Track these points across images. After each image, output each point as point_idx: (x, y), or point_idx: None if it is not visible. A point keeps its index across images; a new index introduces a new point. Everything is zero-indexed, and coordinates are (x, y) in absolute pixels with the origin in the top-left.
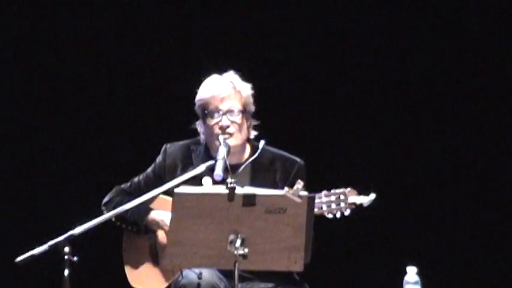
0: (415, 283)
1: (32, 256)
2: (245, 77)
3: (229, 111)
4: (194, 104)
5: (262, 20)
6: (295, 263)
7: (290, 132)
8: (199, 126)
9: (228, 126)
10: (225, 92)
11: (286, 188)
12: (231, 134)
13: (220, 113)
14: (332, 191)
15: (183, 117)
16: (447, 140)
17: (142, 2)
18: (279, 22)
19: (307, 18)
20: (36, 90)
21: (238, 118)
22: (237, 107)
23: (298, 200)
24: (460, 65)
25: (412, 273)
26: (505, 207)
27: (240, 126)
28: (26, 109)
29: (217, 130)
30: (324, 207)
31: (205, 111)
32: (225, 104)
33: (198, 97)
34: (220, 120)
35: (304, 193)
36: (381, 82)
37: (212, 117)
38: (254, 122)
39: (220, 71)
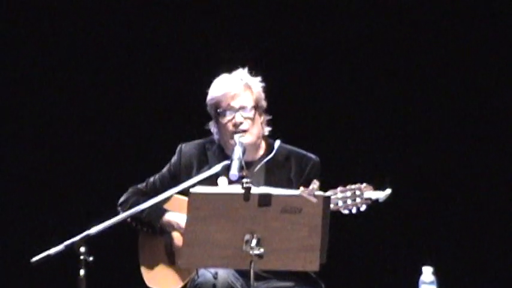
0: (431, 283)
1: (48, 256)
2: (258, 73)
3: (242, 108)
4: (206, 105)
5: (274, 13)
6: (311, 262)
7: (304, 128)
8: (212, 126)
9: (241, 123)
10: (236, 89)
11: (301, 188)
12: (245, 131)
13: (233, 110)
14: (348, 187)
15: (198, 118)
16: (466, 137)
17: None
18: (292, 15)
19: (321, 12)
20: (54, 87)
21: (251, 114)
22: (249, 103)
23: (313, 199)
24: (479, 57)
25: (428, 273)
26: None
27: (254, 122)
28: (43, 107)
29: (231, 128)
30: (340, 203)
31: (218, 110)
32: (237, 101)
33: (209, 97)
34: (233, 118)
35: (320, 193)
36: (398, 76)
37: (225, 115)
38: (267, 117)
39: (233, 68)
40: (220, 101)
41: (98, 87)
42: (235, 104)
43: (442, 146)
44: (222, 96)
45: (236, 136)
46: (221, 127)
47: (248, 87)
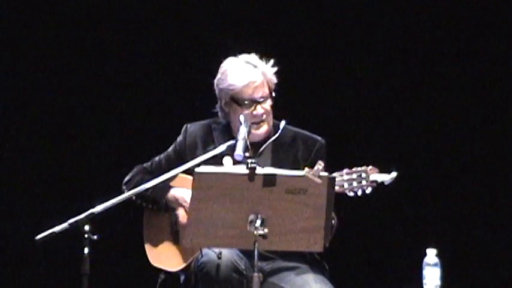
0: (435, 265)
1: (52, 234)
2: (263, 57)
3: (262, 99)
4: (213, 86)
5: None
6: (315, 243)
7: (311, 110)
8: (220, 108)
9: (262, 115)
10: (258, 81)
11: (306, 169)
12: (263, 121)
13: (254, 101)
14: (354, 169)
15: (203, 99)
16: (470, 121)
17: None
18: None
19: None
20: (58, 72)
21: (268, 105)
22: (267, 93)
23: (318, 180)
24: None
25: (431, 255)
26: None
27: (270, 111)
28: (46, 90)
29: (250, 118)
30: (346, 185)
31: (238, 100)
32: (258, 93)
33: (225, 83)
34: (255, 109)
35: (325, 174)
36: (402, 61)
37: (245, 105)
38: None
39: (238, 51)
40: (241, 92)
41: (104, 67)
42: (257, 95)
43: (446, 129)
44: (243, 87)
45: (241, 116)
46: (236, 115)
47: (265, 75)
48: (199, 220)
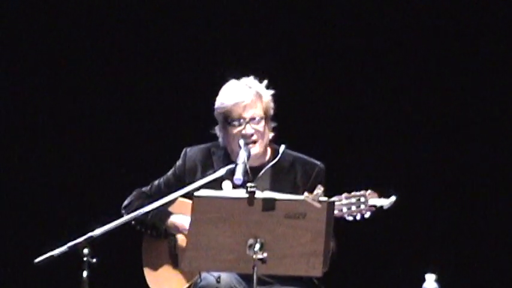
0: None
1: (51, 257)
2: (262, 79)
3: (252, 119)
4: (213, 109)
5: (278, 20)
6: (314, 268)
7: (309, 135)
8: (218, 131)
9: (252, 135)
10: (248, 100)
11: (306, 193)
12: (254, 142)
13: (243, 121)
14: (352, 193)
15: (203, 122)
16: (467, 145)
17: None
18: (296, 22)
19: (324, 17)
20: (58, 93)
21: (261, 126)
22: (259, 114)
23: (318, 205)
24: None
25: (430, 281)
26: None
27: (263, 133)
28: (50, 112)
29: (240, 138)
30: (344, 209)
31: (228, 119)
32: (248, 112)
33: (218, 104)
34: (243, 129)
35: (324, 198)
36: (401, 83)
37: (235, 125)
38: (272, 124)
39: (238, 74)
40: (231, 111)
41: (102, 90)
42: (246, 115)
43: (444, 154)
44: (232, 106)
45: (241, 140)
46: (229, 135)
47: (259, 96)
48: (198, 244)
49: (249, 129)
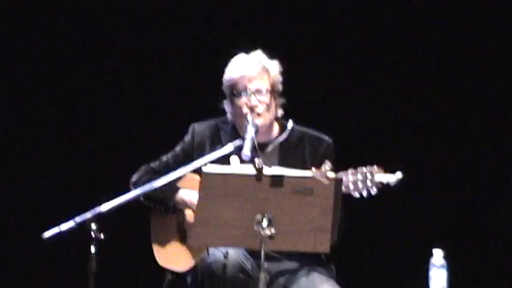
0: (441, 266)
1: (59, 232)
2: (272, 55)
3: (258, 91)
4: (221, 83)
5: None
6: (321, 244)
7: (317, 110)
8: (226, 105)
9: (256, 106)
10: (254, 72)
11: (313, 169)
12: (259, 114)
13: (249, 92)
14: (358, 169)
15: (211, 96)
16: (477, 122)
17: None
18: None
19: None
20: (65, 67)
21: (266, 98)
22: (266, 86)
23: (325, 181)
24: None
25: (438, 256)
26: None
27: (268, 105)
28: (55, 85)
29: (245, 110)
30: (351, 186)
31: (234, 91)
32: (253, 84)
33: (226, 77)
34: (249, 100)
35: (332, 174)
36: (409, 60)
37: (240, 96)
38: (282, 101)
39: (248, 49)
40: (237, 83)
41: (112, 65)
42: (251, 86)
43: (453, 130)
44: (239, 78)
45: (249, 116)
46: (236, 108)
47: (265, 70)
48: (206, 220)
49: (254, 101)
